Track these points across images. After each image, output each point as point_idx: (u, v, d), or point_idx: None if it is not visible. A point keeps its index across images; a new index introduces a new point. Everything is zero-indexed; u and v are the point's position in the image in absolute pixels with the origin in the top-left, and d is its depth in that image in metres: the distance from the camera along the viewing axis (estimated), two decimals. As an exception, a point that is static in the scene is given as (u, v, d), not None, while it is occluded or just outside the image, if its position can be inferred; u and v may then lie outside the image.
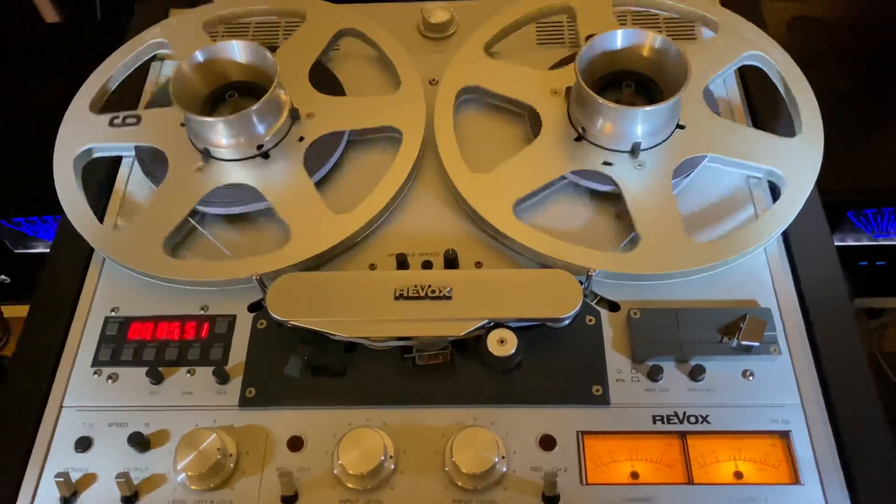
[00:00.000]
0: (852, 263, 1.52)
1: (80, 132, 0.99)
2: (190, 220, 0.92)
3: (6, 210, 1.49)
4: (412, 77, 1.00)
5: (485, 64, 1.01)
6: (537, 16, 1.05)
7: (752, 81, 1.04)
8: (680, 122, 0.90)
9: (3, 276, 1.66)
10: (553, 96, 0.94)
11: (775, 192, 0.92)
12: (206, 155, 0.92)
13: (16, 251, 1.59)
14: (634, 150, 0.88)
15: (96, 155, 1.00)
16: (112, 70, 1.06)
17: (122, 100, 1.07)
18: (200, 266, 0.87)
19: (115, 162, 1.02)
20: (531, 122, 0.96)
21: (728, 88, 1.05)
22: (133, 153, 1.00)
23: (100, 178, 1.00)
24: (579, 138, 0.90)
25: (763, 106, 1.02)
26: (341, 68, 1.07)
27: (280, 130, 0.93)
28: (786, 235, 0.88)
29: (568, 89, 0.93)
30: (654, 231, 0.86)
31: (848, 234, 1.43)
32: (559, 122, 0.92)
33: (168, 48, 1.07)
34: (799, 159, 0.91)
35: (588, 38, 0.92)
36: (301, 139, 0.94)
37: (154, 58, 1.11)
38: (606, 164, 0.89)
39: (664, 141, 0.90)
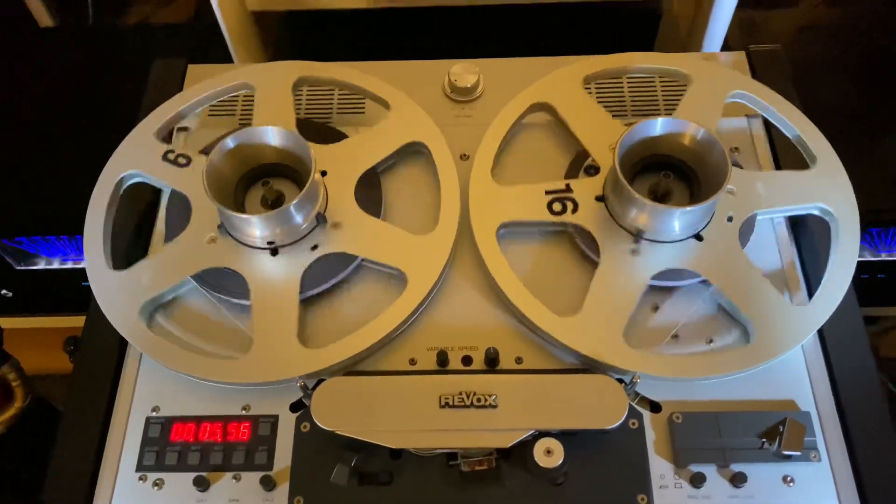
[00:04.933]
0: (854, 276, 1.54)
1: (134, 156, 0.98)
2: (220, 306, 0.92)
3: (7, 230, 1.47)
4: (450, 221, 0.93)
5: (501, 193, 0.95)
6: (522, 117, 1.01)
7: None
8: None
9: (5, 291, 1.66)
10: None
11: (807, 269, 0.94)
12: (224, 231, 0.91)
13: (17, 268, 1.59)
14: (699, 236, 0.89)
15: (136, 180, 0.98)
16: (188, 102, 1.02)
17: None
18: (238, 366, 0.86)
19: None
20: (577, 234, 0.93)
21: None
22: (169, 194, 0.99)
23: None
24: (638, 240, 0.89)
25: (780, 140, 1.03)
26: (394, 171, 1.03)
27: (297, 233, 0.89)
28: (820, 330, 0.88)
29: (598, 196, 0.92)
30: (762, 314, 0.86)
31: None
32: (610, 230, 0.90)
33: (252, 89, 1.03)
34: (831, 188, 0.92)
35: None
36: (314, 248, 0.90)
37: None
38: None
39: (713, 216, 0.90)
